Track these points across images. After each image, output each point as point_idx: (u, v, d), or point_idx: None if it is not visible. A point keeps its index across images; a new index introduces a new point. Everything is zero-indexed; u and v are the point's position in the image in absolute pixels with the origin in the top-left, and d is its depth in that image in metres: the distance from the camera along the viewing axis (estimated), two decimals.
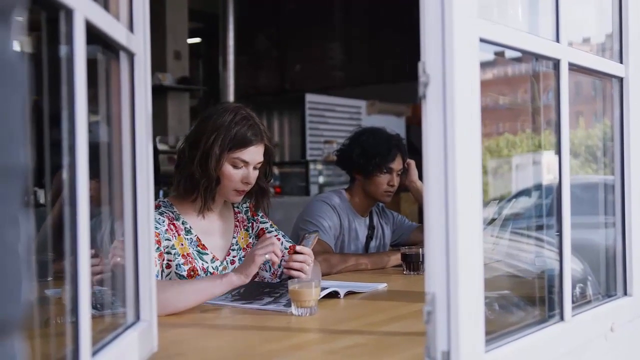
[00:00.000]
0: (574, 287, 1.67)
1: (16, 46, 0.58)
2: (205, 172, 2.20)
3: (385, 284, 2.40)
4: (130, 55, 1.36)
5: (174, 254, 2.18)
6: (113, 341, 1.23)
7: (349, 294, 2.21)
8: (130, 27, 1.36)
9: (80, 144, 1.02)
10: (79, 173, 1.01)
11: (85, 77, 1.04)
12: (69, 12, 1.00)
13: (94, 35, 1.12)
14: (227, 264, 2.32)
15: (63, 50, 1.02)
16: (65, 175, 1.01)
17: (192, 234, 2.25)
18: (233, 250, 2.36)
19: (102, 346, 1.18)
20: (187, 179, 2.23)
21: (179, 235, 2.22)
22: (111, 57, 1.33)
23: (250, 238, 2.43)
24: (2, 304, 0.54)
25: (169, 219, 2.21)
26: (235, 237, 2.38)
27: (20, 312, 0.56)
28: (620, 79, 1.85)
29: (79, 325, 1.02)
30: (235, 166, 2.23)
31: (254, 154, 2.25)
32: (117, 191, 1.38)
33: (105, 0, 1.28)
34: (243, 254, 2.37)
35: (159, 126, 7.47)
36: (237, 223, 2.41)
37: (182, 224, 2.25)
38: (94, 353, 1.10)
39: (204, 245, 2.27)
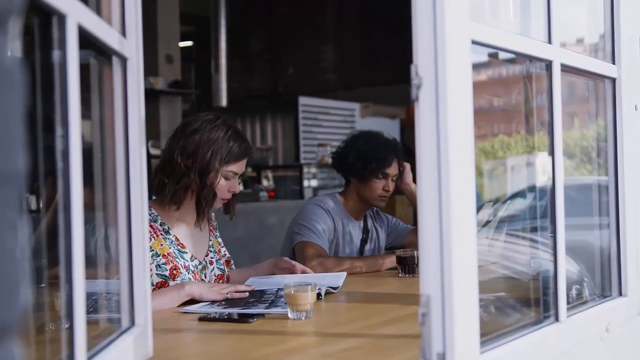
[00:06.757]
0: (570, 289, 1.67)
1: (13, 52, 0.58)
2: (204, 184, 2.29)
3: (344, 273, 2.48)
4: (123, 60, 1.36)
5: (152, 255, 2.24)
6: (108, 346, 1.23)
7: (329, 293, 2.24)
8: (123, 32, 1.36)
9: (74, 149, 1.01)
10: (72, 178, 1.01)
11: (79, 82, 1.03)
12: (62, 18, 1.00)
13: (86, 40, 1.12)
14: (206, 263, 2.43)
15: (56, 55, 1.01)
16: (59, 180, 1.01)
17: (170, 234, 2.34)
18: (211, 252, 2.48)
19: (97, 351, 1.18)
20: (183, 190, 2.30)
21: (157, 236, 2.29)
22: (103, 62, 1.33)
23: (219, 245, 2.56)
24: (1, 308, 0.54)
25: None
26: (211, 240, 2.50)
27: (19, 316, 0.57)
28: (613, 80, 1.85)
29: (74, 331, 1.01)
30: (226, 178, 2.34)
31: (243, 166, 2.39)
32: (110, 197, 1.38)
33: (98, 4, 1.28)
34: (218, 257, 2.50)
35: (152, 131, 7.43)
36: (212, 228, 2.54)
37: (160, 225, 2.33)
38: (89, 358, 1.10)
39: (182, 244, 2.36)
